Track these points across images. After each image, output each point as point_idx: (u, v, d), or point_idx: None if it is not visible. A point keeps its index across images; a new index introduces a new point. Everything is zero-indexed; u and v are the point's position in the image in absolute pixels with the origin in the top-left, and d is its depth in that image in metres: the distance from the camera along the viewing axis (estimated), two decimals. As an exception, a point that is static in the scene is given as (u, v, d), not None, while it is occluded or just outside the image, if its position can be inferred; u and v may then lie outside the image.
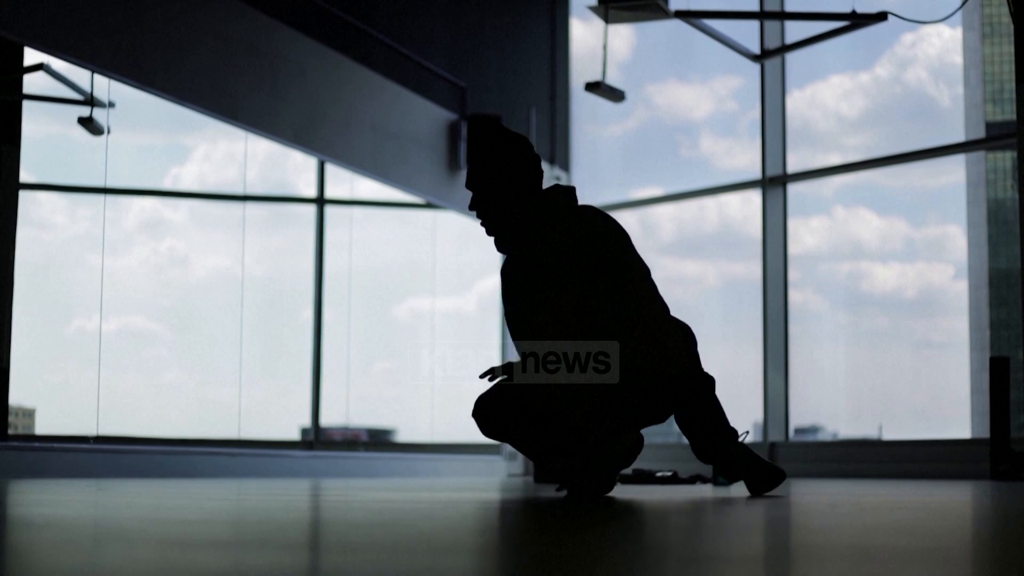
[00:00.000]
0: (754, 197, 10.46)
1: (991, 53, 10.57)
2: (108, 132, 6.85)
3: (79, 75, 6.72)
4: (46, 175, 6.88)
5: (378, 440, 9.17)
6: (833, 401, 10.50)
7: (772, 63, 10.10)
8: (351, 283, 8.77)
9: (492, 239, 3.90)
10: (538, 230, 3.78)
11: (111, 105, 6.86)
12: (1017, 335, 9.51)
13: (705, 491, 5.05)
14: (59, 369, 6.88)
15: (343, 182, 8.92)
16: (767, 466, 3.90)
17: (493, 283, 10.48)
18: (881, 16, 7.48)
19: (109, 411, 6.81)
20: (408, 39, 9.42)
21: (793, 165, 10.26)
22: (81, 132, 6.78)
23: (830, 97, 11.09)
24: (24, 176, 6.46)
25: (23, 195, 6.47)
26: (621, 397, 3.78)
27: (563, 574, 1.41)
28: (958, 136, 9.94)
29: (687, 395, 3.79)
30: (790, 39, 9.64)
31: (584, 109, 11.58)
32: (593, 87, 8.37)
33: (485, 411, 3.93)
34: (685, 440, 3.99)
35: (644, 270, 3.81)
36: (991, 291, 10.05)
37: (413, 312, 9.96)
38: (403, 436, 9.40)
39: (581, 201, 3.92)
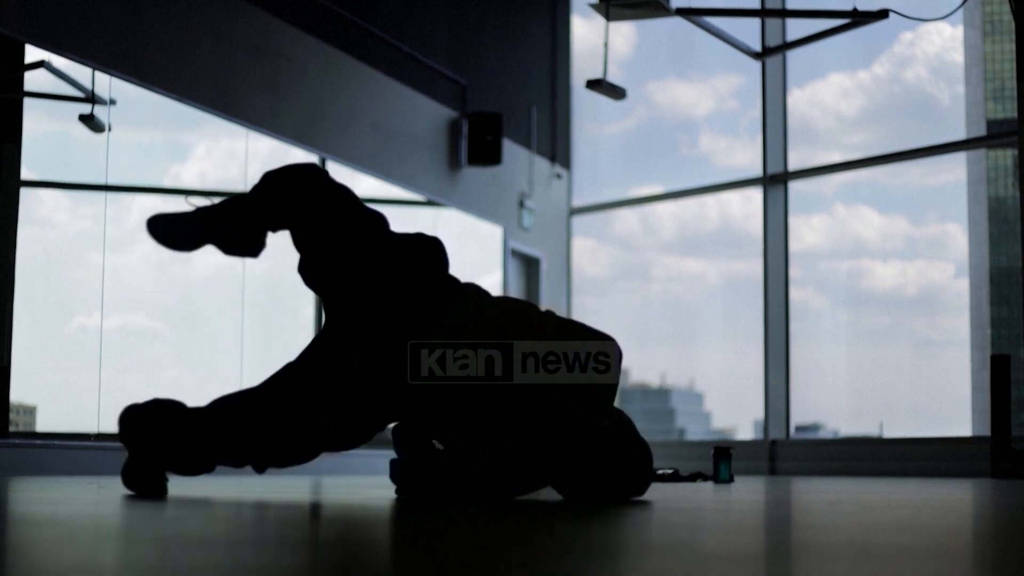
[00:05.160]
0: (755, 195, 10.46)
1: (992, 51, 10.57)
2: (109, 130, 6.84)
3: (80, 72, 6.71)
4: (47, 173, 6.87)
5: (379, 438, 9.16)
6: (834, 399, 10.50)
7: (773, 61, 10.09)
8: (352, 281, 8.75)
9: None
10: None
11: (112, 103, 6.85)
12: (1018, 333, 9.51)
13: (706, 489, 5.04)
14: (60, 367, 6.88)
15: (344, 180, 8.91)
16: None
17: (494, 281, 10.48)
18: (882, 14, 7.47)
19: (110, 409, 6.80)
20: (409, 37, 9.41)
21: (794, 163, 10.26)
22: (82, 130, 6.78)
23: (830, 96, 11.09)
24: (25, 174, 6.45)
25: (24, 193, 6.47)
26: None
27: (565, 571, 1.41)
28: (959, 134, 9.94)
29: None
30: (791, 37, 9.63)
31: (585, 107, 11.58)
32: (594, 85, 8.37)
33: None
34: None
35: None
36: (992, 289, 10.05)
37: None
38: (404, 434, 9.37)
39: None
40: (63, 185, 7.06)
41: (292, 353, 3.60)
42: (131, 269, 7.23)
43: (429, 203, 9.71)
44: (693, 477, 6.88)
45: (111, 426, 6.82)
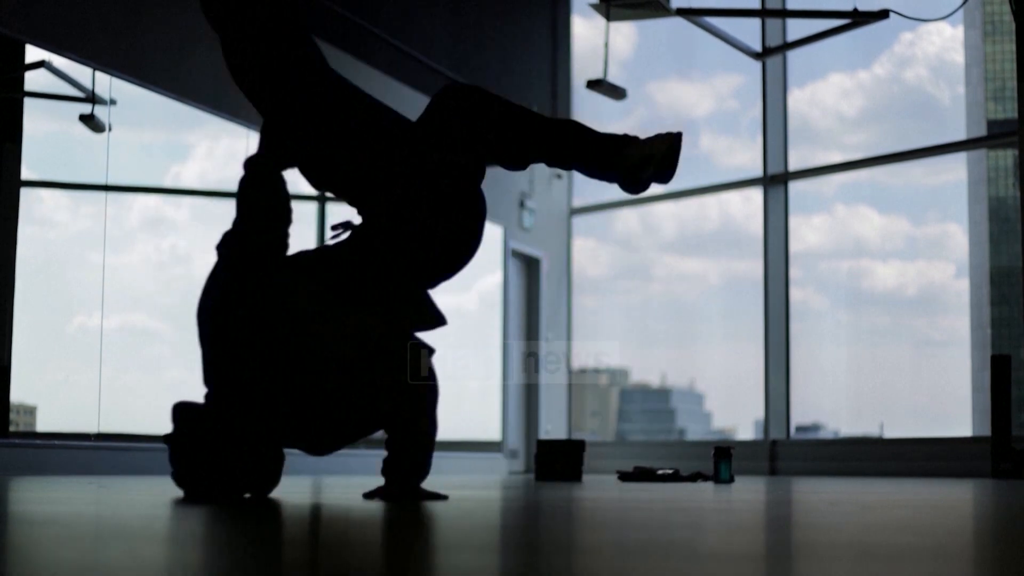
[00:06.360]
0: (755, 195, 10.46)
1: (993, 51, 10.57)
2: (109, 129, 6.84)
3: (80, 72, 6.71)
4: (48, 172, 6.87)
5: (379, 437, 9.16)
6: (834, 399, 10.50)
7: (773, 61, 10.09)
8: (352, 281, 8.75)
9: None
10: None
11: (112, 102, 6.85)
12: (1018, 333, 9.51)
13: (706, 489, 5.04)
14: (60, 366, 6.88)
15: (344, 180, 8.91)
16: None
17: (494, 281, 10.48)
18: (883, 14, 7.47)
19: (110, 409, 6.80)
20: (410, 37, 9.41)
21: (794, 163, 10.26)
22: (82, 129, 6.78)
23: (830, 96, 11.09)
24: (26, 173, 6.45)
25: (25, 192, 6.47)
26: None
27: (567, 571, 1.41)
28: (959, 134, 9.94)
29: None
30: (791, 37, 9.63)
31: (585, 107, 11.57)
32: (595, 85, 8.37)
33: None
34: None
35: None
36: (992, 289, 10.05)
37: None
38: (404, 434, 9.36)
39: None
40: (63, 185, 7.06)
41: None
42: (131, 269, 7.23)
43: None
44: (693, 477, 6.88)
45: (111, 426, 6.82)
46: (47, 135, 6.80)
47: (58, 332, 6.84)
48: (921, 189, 10.52)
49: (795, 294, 10.14)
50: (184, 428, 3.29)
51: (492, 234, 10.37)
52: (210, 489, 3.26)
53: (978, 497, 4.18)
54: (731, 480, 6.48)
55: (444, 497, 3.30)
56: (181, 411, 3.33)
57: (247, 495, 3.30)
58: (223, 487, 3.26)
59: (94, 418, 6.73)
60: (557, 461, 6.97)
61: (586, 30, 11.70)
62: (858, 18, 7.64)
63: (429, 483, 3.48)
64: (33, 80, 6.56)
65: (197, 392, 3.46)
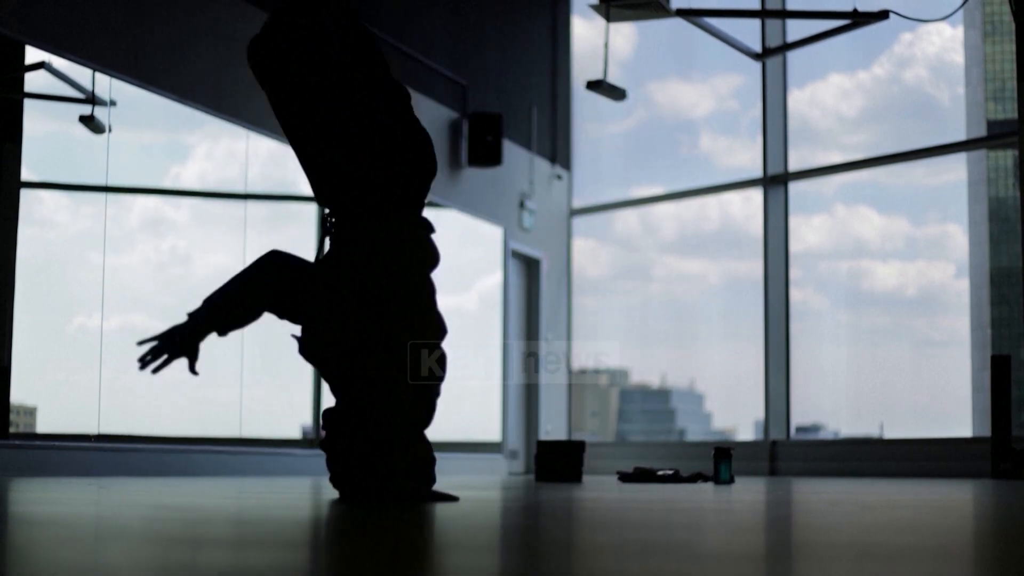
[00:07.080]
0: (755, 195, 10.46)
1: (992, 51, 10.57)
2: (109, 130, 6.84)
3: (80, 73, 6.71)
4: (47, 173, 6.87)
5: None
6: (834, 399, 10.50)
7: (773, 61, 10.09)
8: (352, 281, 8.73)
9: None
10: None
11: (112, 103, 6.85)
12: (1018, 333, 9.51)
13: (706, 489, 5.05)
14: (60, 367, 6.88)
15: (344, 180, 8.90)
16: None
17: (494, 281, 10.47)
18: (883, 15, 7.47)
19: (110, 409, 6.80)
20: (409, 37, 9.42)
21: (794, 163, 10.26)
22: (82, 130, 6.78)
23: (830, 96, 11.09)
24: (25, 174, 6.45)
25: (24, 193, 6.46)
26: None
27: (566, 571, 1.41)
28: (959, 135, 9.94)
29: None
30: (791, 38, 9.63)
31: (585, 107, 11.57)
32: (594, 85, 8.37)
33: None
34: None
35: None
36: (992, 289, 10.04)
37: (414, 310, 9.92)
38: (404, 434, 9.35)
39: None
40: (64, 186, 7.06)
41: (291, 351, 3.60)
42: (131, 269, 7.23)
43: (429, 204, 9.69)
44: (693, 478, 6.88)
45: (111, 427, 6.82)
46: (47, 136, 6.80)
47: (58, 332, 6.83)
48: (921, 189, 10.53)
49: (795, 294, 10.14)
50: (332, 432, 3.32)
51: (492, 234, 10.37)
52: (364, 491, 3.24)
53: (978, 497, 4.19)
54: (731, 481, 6.48)
55: (455, 498, 3.30)
56: (328, 416, 3.39)
57: (404, 498, 3.23)
58: (376, 489, 3.23)
59: (94, 419, 6.73)
60: (557, 462, 6.97)
61: (586, 30, 11.70)
62: (858, 19, 7.64)
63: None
64: (33, 81, 6.56)
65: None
